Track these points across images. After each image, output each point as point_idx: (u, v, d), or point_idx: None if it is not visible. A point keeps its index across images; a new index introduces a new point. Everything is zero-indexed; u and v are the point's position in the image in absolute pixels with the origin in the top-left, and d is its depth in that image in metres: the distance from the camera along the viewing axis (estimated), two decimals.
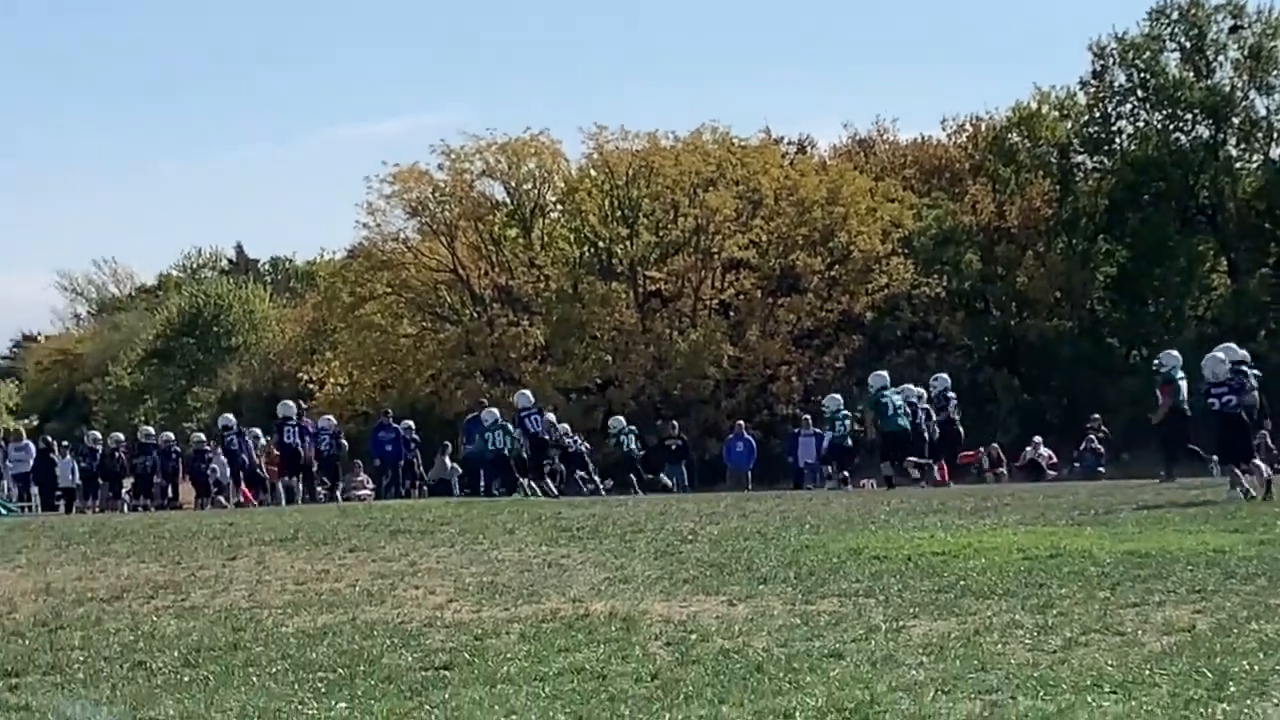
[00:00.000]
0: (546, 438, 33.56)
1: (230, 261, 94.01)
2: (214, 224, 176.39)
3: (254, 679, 9.23)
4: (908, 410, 30.50)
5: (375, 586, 13.08)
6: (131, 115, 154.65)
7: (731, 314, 55.40)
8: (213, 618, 11.61)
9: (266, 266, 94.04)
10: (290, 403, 37.16)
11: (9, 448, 38.48)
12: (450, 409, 45.87)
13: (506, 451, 32.51)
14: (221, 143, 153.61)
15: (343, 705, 8.42)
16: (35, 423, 55.29)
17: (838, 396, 33.89)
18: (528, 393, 35.65)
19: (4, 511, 34.86)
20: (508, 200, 58.47)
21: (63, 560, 15.86)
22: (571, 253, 56.83)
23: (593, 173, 57.27)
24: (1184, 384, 27.12)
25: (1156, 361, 29.06)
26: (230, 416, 39.69)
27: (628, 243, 54.76)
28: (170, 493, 38.31)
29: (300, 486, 34.95)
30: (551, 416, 35.73)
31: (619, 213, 55.64)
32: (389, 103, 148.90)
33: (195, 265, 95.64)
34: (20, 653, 10.14)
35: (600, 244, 55.84)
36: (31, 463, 38.21)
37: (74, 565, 15.39)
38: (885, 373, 31.96)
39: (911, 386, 32.19)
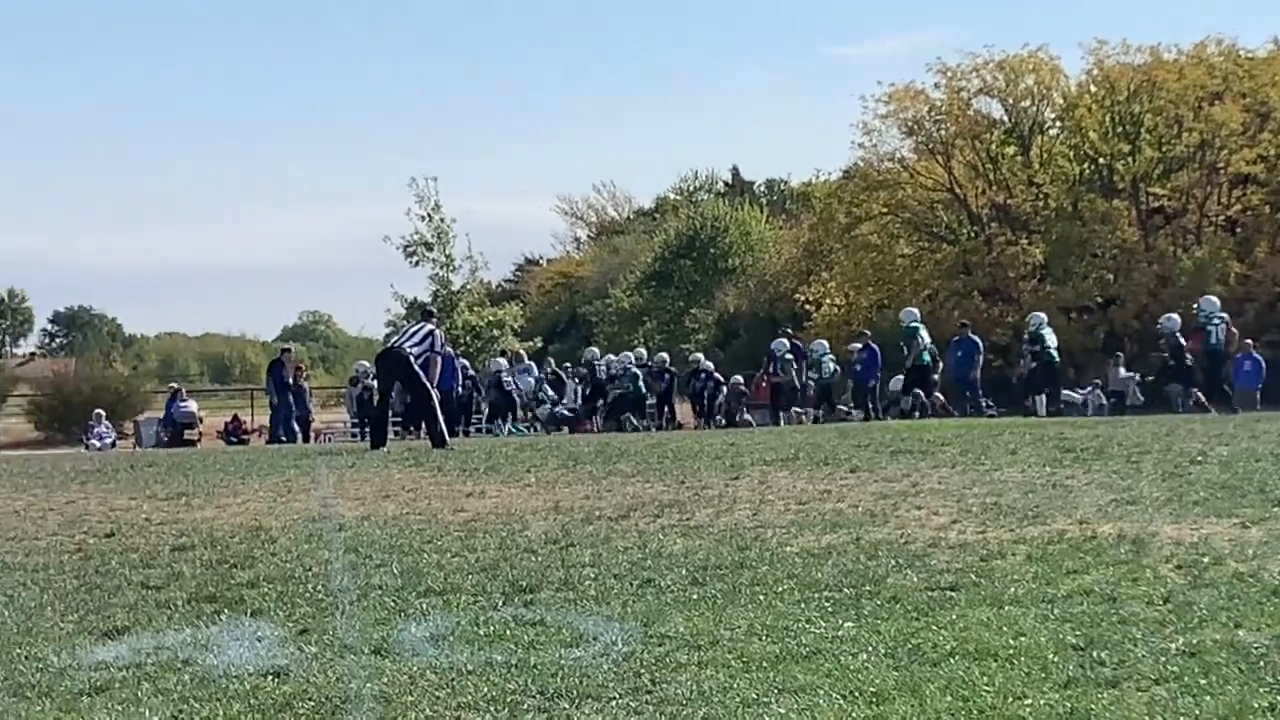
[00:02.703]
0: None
1: (726, 184, 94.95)
2: (710, 147, 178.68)
3: (760, 597, 9.27)
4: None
5: (878, 507, 13.03)
6: (631, 44, 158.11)
7: (1238, 230, 53.64)
8: (718, 536, 11.70)
9: (762, 188, 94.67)
10: (501, 360, 39.83)
11: (515, 369, 39.84)
12: (949, 329, 45.51)
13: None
14: (718, 66, 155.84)
15: (849, 624, 8.41)
16: (539, 344, 57.02)
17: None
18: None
19: (513, 431, 36.12)
20: (1005, 118, 57.74)
21: (570, 479, 16.16)
22: (1071, 170, 55.77)
23: (1093, 88, 56.01)
24: (1214, 329, 30.63)
25: (1195, 306, 32.11)
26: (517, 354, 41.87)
27: (1129, 159, 53.48)
28: (669, 413, 39.11)
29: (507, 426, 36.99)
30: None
31: (1120, 128, 54.39)
32: (884, 22, 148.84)
33: (692, 188, 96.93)
34: (533, 569, 10.38)
35: (1101, 160, 54.68)
36: (534, 383, 39.58)
37: (581, 484, 15.66)
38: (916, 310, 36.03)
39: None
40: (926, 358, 33.96)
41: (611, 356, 42.10)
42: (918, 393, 33.38)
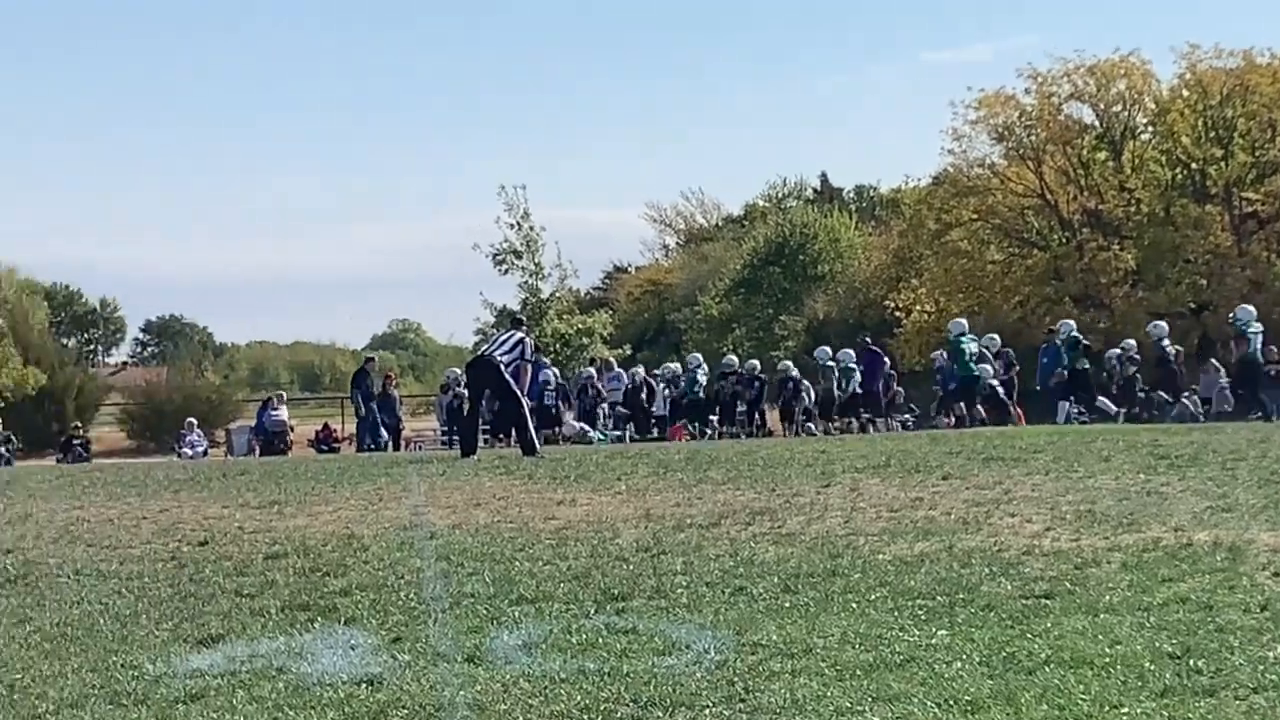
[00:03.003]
0: None
1: (815, 190, 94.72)
2: (799, 153, 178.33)
3: (853, 605, 9.22)
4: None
5: (970, 514, 12.96)
6: (720, 50, 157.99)
7: None
8: (809, 544, 11.66)
9: (851, 195, 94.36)
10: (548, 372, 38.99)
11: (605, 377, 39.81)
12: (1039, 336, 45.18)
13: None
14: (806, 71, 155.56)
15: (943, 632, 8.36)
16: (628, 352, 57.05)
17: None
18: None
19: (601, 438, 36.11)
20: (1096, 123, 57.33)
21: (660, 487, 16.16)
22: (1163, 175, 55.22)
23: (1185, 93, 55.49)
24: (1254, 339, 31.36)
25: (1232, 315, 32.76)
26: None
27: (1222, 164, 52.94)
28: (759, 420, 39.02)
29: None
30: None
31: (1213, 133, 53.85)
32: (975, 27, 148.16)
33: (781, 195, 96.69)
34: (625, 577, 10.36)
35: (1193, 165, 54.14)
36: (624, 391, 39.48)
37: (671, 492, 15.66)
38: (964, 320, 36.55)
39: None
40: (974, 369, 33.78)
41: (674, 366, 42.10)
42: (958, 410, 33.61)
